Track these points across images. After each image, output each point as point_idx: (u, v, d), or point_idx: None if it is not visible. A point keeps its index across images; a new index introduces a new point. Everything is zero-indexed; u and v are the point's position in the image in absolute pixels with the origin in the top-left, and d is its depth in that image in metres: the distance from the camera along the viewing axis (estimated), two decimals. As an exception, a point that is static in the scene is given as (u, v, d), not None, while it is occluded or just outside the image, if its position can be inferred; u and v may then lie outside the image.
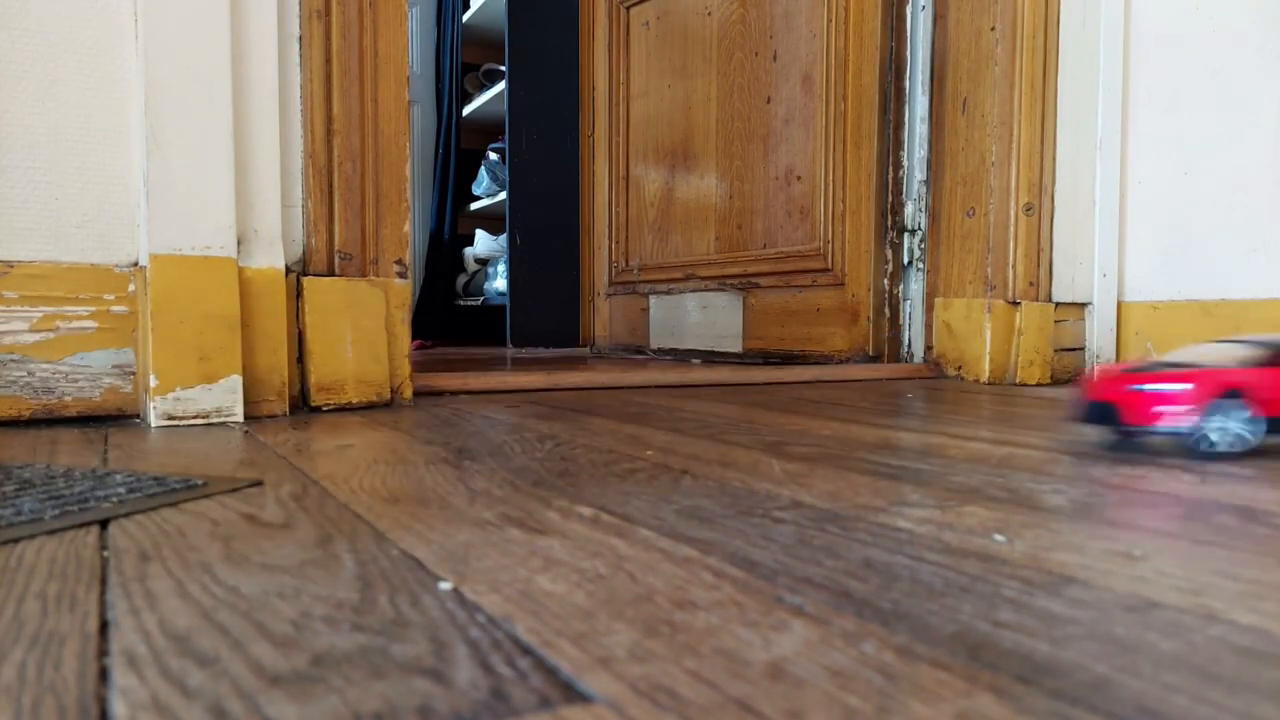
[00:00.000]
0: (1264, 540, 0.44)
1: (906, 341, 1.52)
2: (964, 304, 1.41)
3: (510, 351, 2.25)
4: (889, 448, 0.73)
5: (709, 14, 1.84)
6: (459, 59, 3.07)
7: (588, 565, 0.39)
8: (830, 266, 1.59)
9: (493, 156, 2.96)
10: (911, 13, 1.48)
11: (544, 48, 2.39)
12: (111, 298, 0.91)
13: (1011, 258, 1.37)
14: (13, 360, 0.87)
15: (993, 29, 1.36)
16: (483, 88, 3.06)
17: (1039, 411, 1.01)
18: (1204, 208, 1.36)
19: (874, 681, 0.27)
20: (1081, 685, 0.27)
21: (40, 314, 0.88)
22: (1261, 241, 1.30)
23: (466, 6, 3.03)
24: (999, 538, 0.44)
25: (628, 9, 2.06)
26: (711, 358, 1.81)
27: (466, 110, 3.07)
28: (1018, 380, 1.37)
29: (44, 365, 0.88)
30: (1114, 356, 1.46)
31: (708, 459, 0.67)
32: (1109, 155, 1.43)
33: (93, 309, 0.90)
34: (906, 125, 1.50)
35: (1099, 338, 1.44)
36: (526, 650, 0.29)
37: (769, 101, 1.70)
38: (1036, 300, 1.39)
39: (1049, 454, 0.70)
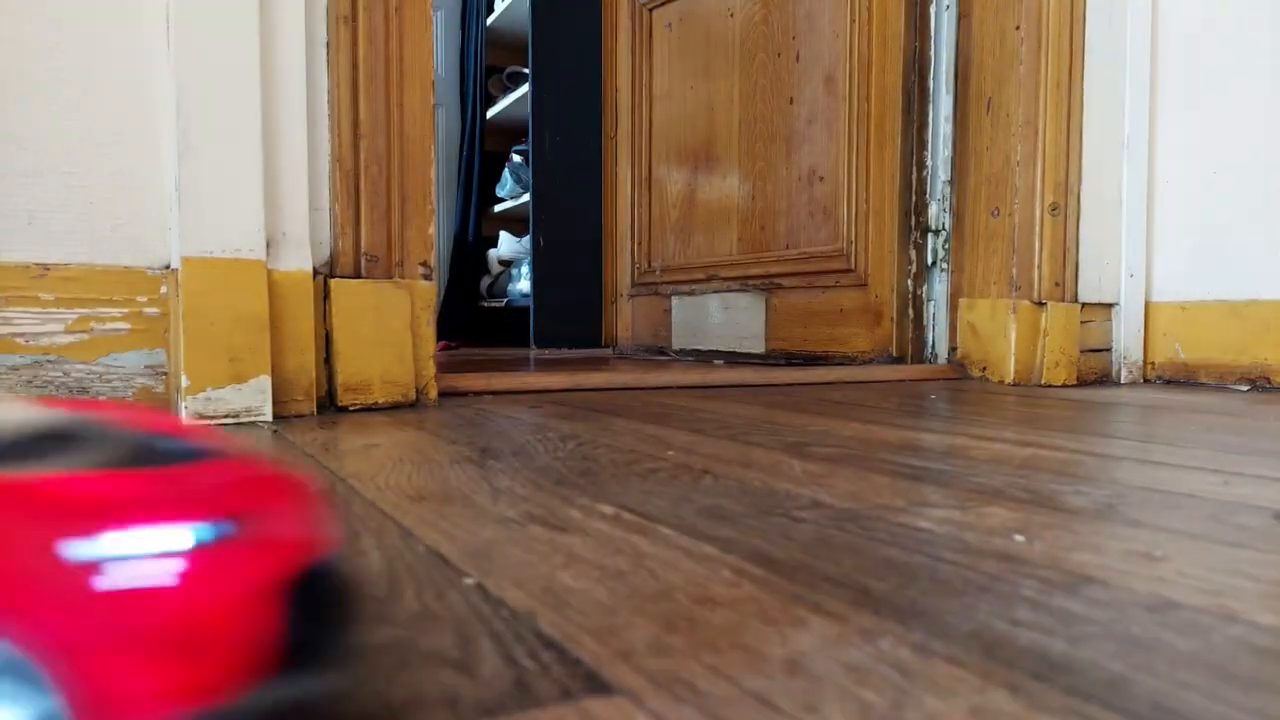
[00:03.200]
0: (1287, 542, 0.44)
1: (930, 342, 1.52)
2: (988, 304, 1.40)
3: (533, 352, 2.26)
4: (911, 448, 0.73)
5: (731, 15, 1.84)
6: (483, 62, 3.09)
7: (609, 562, 0.40)
8: (853, 267, 1.59)
9: (516, 158, 2.97)
10: (935, 12, 1.47)
11: (567, 50, 2.40)
12: (144, 299, 0.93)
13: (1037, 258, 1.36)
14: (49, 361, 0.89)
15: (1017, 28, 1.35)
16: (506, 90, 3.07)
17: (1064, 413, 1.00)
18: (1233, 207, 1.35)
19: (890, 677, 0.27)
20: (1097, 683, 0.27)
21: (75, 316, 0.90)
22: (1292, 241, 1.28)
23: (490, 9, 3.05)
24: (1019, 538, 0.44)
25: (650, 11, 2.07)
26: (734, 359, 1.82)
27: (490, 113, 3.09)
28: (1043, 381, 1.36)
29: (79, 366, 0.90)
30: (1141, 358, 1.45)
31: (729, 459, 0.67)
32: (1136, 154, 1.42)
33: (126, 310, 0.92)
34: (930, 125, 1.49)
35: (1126, 338, 1.43)
36: (549, 643, 0.30)
37: (791, 102, 1.70)
38: (1062, 301, 1.38)
39: (1073, 455, 0.70)
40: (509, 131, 3.19)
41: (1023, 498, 0.54)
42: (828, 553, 0.41)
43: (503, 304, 2.98)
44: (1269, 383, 1.30)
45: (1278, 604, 0.34)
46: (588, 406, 1.05)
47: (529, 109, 2.43)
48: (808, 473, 0.62)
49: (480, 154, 3.11)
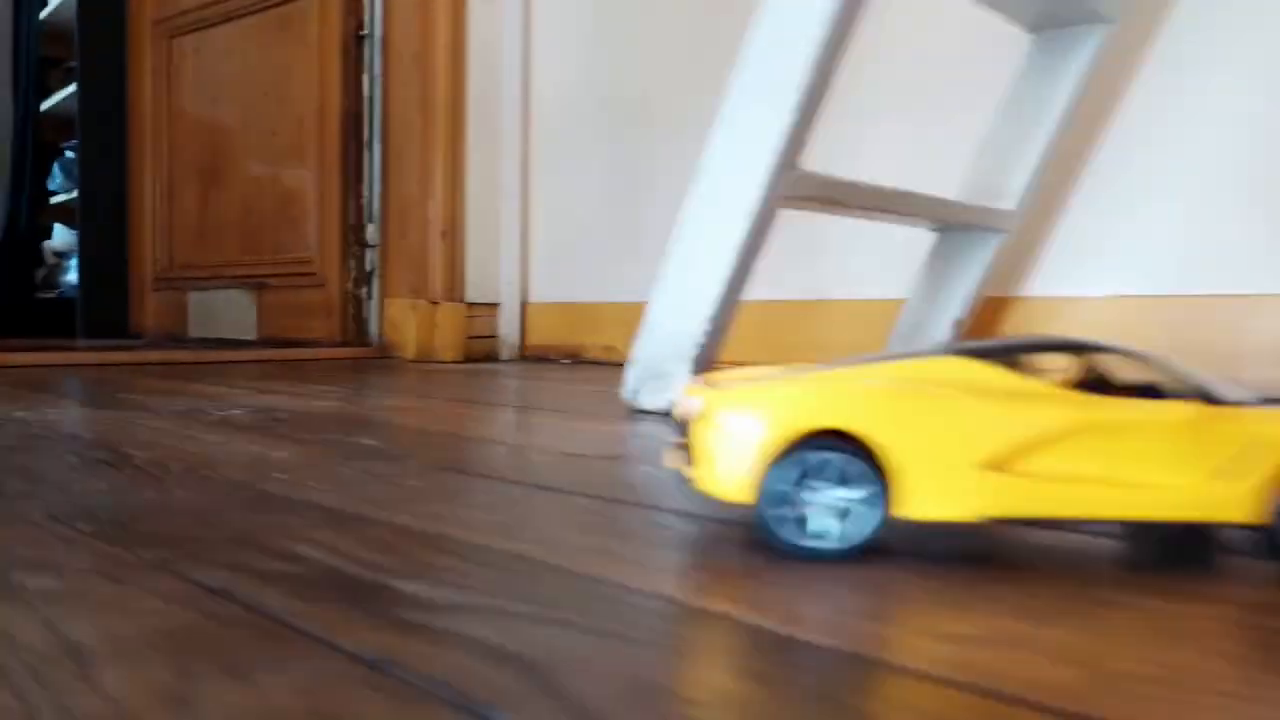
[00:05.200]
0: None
1: (369, 331, 1.98)
2: (401, 304, 1.89)
3: (81, 342, 2.43)
4: (221, 399, 1.15)
5: (232, 55, 2.18)
6: (35, 53, 3.11)
7: None
8: (317, 272, 2.01)
9: (69, 154, 3.05)
10: (369, 80, 1.94)
11: (107, 59, 2.58)
12: None
13: (432, 270, 1.87)
14: None
15: (412, 102, 1.84)
16: (66, 84, 3.13)
17: (415, 380, 1.48)
18: (575, 235, 1.95)
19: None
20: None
21: None
22: (619, 256, 1.89)
23: (44, 3, 3.08)
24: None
25: (170, 39, 2.34)
26: (237, 344, 2.16)
27: (45, 105, 3.13)
28: (438, 359, 1.87)
29: None
30: (519, 341, 2.02)
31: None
32: (512, 198, 1.98)
33: None
34: (367, 164, 1.95)
35: (506, 328, 1.98)
36: None
37: (274, 135, 2.09)
38: (452, 301, 1.90)
39: (344, 405, 1.15)
40: (66, 124, 3.23)
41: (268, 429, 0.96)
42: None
43: (55, 295, 3.05)
44: (579, 357, 1.91)
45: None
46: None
47: (77, 108, 2.57)
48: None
49: (35, 145, 3.13)
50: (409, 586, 0.34)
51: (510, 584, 0.35)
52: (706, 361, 0.93)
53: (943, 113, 1.43)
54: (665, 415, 0.94)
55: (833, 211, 1.00)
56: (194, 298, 2.29)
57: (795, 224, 1.60)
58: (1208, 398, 0.37)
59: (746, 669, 0.27)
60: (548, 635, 0.29)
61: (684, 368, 0.93)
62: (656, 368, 0.95)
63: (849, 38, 0.81)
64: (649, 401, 0.96)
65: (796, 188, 0.86)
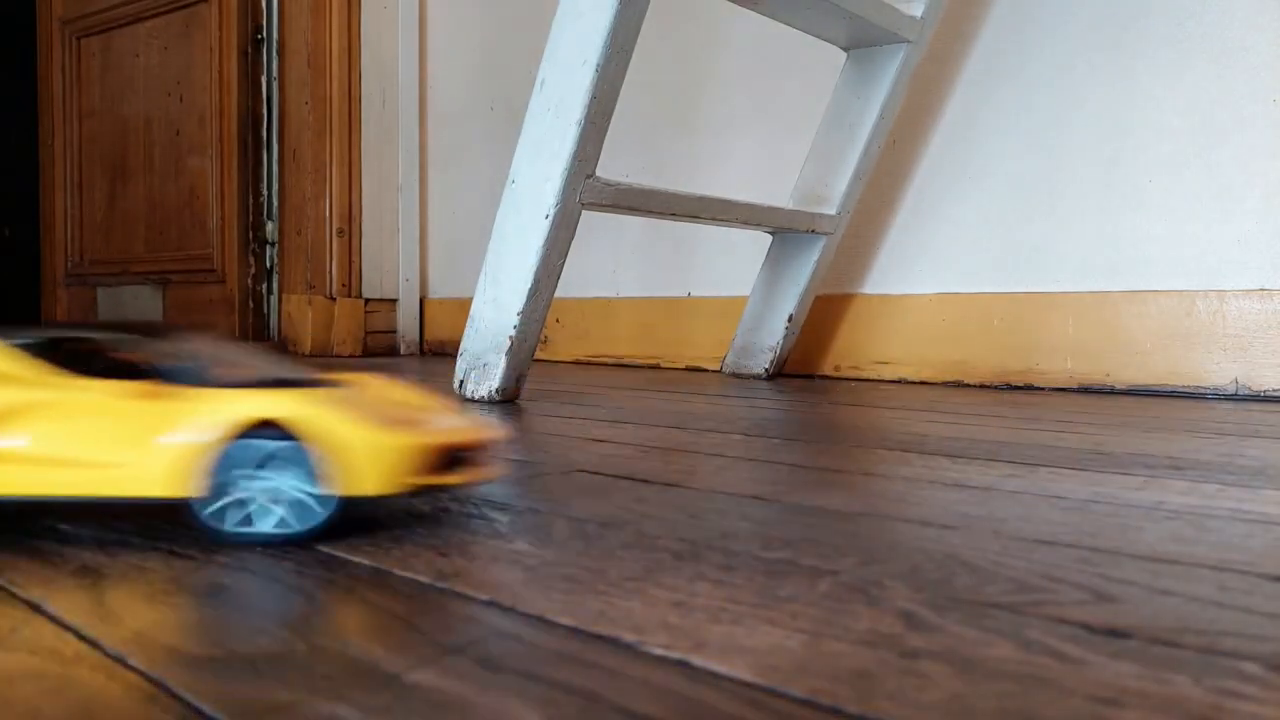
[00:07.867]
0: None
1: (268, 326, 2.04)
2: (297, 299, 1.95)
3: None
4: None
5: (137, 56, 2.22)
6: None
7: None
8: (217, 268, 2.06)
9: (-14, 148, 3.06)
10: (266, 81, 1.99)
11: (17, 58, 2.60)
12: None
13: (328, 267, 1.93)
14: None
15: (306, 103, 1.91)
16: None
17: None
18: (464, 235, 2.02)
19: None
20: None
21: None
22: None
23: (-40, -3, 3.08)
24: None
25: (78, 39, 2.37)
26: (142, 339, 2.20)
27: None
28: (335, 353, 1.94)
29: None
30: (418, 336, 2.09)
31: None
32: (410, 196, 2.05)
33: None
34: (265, 164, 2.01)
35: (404, 324, 2.05)
36: None
37: (178, 134, 2.13)
38: (349, 297, 1.97)
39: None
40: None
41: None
42: None
43: (-27, 290, 3.06)
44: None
45: None
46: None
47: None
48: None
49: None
50: (72, 528, 0.42)
51: (158, 529, 0.43)
52: (520, 352, 1.01)
53: (787, 126, 1.53)
54: (488, 403, 1.02)
55: (634, 215, 1.09)
56: (102, 293, 2.33)
57: (669, 231, 1.70)
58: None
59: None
60: (136, 557, 0.37)
61: (500, 359, 1.01)
62: (480, 359, 1.03)
63: (626, 58, 0.90)
64: (473, 391, 1.04)
65: (593, 194, 0.95)
